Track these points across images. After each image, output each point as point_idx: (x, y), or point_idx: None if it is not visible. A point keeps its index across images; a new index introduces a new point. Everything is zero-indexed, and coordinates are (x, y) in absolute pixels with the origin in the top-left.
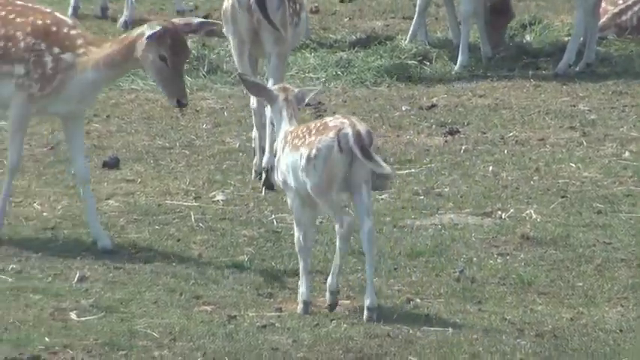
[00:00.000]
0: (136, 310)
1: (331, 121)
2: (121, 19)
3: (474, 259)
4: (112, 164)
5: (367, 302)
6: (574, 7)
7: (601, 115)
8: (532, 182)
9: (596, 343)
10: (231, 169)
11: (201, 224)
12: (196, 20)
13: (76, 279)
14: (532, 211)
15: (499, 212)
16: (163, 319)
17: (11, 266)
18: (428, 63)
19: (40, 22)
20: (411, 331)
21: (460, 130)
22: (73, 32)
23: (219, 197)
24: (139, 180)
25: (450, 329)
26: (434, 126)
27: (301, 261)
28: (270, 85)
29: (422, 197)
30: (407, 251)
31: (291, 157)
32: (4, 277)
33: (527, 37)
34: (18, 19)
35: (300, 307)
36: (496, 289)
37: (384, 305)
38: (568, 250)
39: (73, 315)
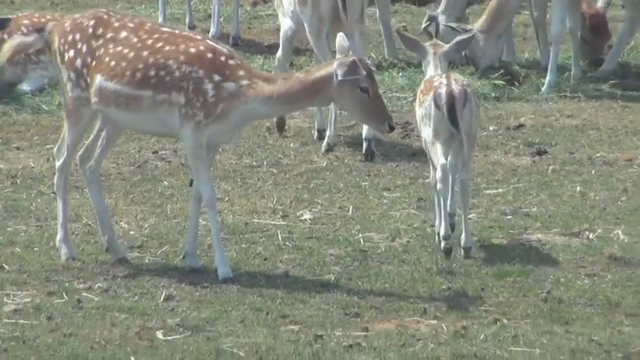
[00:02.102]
0: (222, 329)
1: (435, 79)
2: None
3: (562, 279)
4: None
5: (463, 242)
6: None
7: None
8: (620, 203)
9: None
10: (319, 188)
11: (288, 243)
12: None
13: (162, 298)
14: (620, 232)
15: (587, 232)
16: (250, 338)
17: (98, 285)
18: (516, 83)
19: (193, 49)
20: (498, 352)
21: (548, 150)
22: (231, 62)
23: (307, 216)
24: (227, 199)
25: (537, 350)
26: (521, 146)
27: (440, 199)
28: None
29: (509, 217)
30: (494, 271)
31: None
32: (90, 295)
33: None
34: (167, 47)
35: (442, 245)
36: (583, 310)
37: (471, 326)
38: None
39: (159, 334)
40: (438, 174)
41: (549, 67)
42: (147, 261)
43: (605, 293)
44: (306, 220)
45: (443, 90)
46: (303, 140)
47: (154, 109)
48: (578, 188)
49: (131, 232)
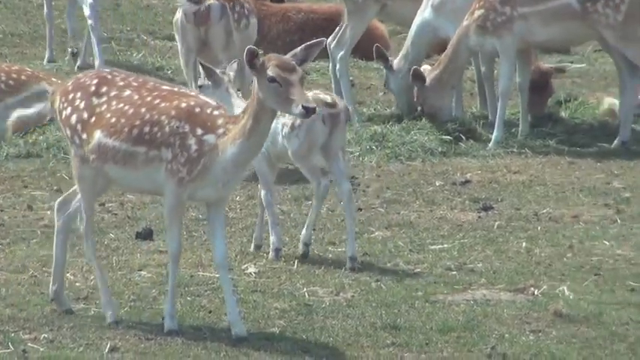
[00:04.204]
0: None
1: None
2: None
3: (506, 335)
4: (146, 235)
5: (349, 252)
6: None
7: (635, 193)
8: (565, 259)
9: None
10: (264, 242)
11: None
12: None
13: (107, 349)
14: (565, 288)
15: (532, 289)
16: None
17: (43, 335)
18: (463, 138)
19: (184, 104)
20: None
21: (494, 206)
22: (215, 113)
23: (252, 270)
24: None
25: None
26: (467, 202)
27: (270, 216)
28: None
29: (454, 272)
30: (439, 326)
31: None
32: (36, 346)
33: (563, 114)
34: (162, 104)
35: (271, 255)
36: None
37: None
38: (601, 328)
39: None
40: (320, 188)
41: (496, 123)
42: (92, 312)
43: (550, 349)
44: (251, 273)
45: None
46: (249, 194)
47: (146, 166)
48: (524, 244)
49: (77, 284)
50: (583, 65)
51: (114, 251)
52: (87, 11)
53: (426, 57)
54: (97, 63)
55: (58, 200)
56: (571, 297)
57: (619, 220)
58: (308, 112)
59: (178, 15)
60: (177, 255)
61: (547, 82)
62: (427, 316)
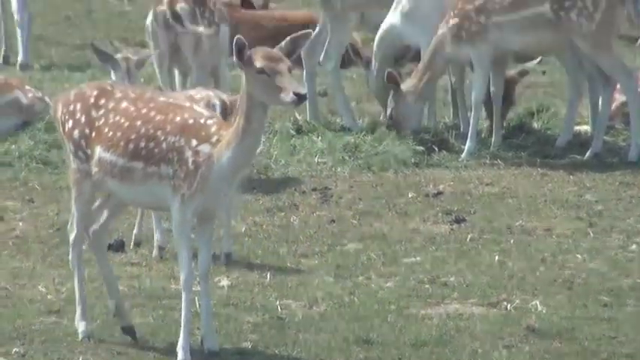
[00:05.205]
0: None
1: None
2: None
3: (479, 350)
4: (118, 247)
5: (225, 248)
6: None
7: (608, 206)
8: (538, 273)
9: None
10: (236, 254)
11: None
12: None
13: None
14: (538, 303)
15: (505, 303)
16: None
17: (14, 349)
18: (435, 149)
19: (178, 118)
20: None
21: (466, 218)
22: (209, 122)
23: (224, 282)
24: (144, 263)
25: None
26: (440, 214)
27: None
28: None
29: (427, 286)
30: (411, 340)
31: None
32: None
33: (535, 125)
34: (158, 117)
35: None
36: None
37: None
38: (573, 344)
39: None
40: None
41: (469, 134)
42: (64, 325)
43: None
44: (223, 286)
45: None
46: None
47: (145, 181)
48: (497, 257)
49: (49, 297)
50: (555, 75)
51: (86, 263)
52: (14, 6)
53: (395, 62)
54: (19, 59)
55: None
56: (544, 311)
57: (591, 234)
58: (300, 98)
59: (149, 20)
60: (190, 281)
61: (509, 91)
62: (400, 330)
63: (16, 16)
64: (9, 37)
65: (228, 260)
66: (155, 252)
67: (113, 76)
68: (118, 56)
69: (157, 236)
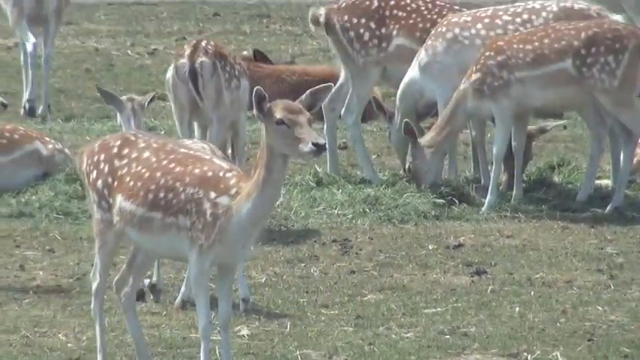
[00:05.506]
0: None
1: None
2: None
3: None
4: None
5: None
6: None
7: (629, 258)
8: (559, 324)
9: None
10: (257, 304)
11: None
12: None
13: None
14: (558, 354)
15: (525, 354)
16: None
17: None
18: (456, 202)
19: (197, 170)
20: None
21: (487, 270)
22: (228, 175)
23: (244, 332)
24: (165, 312)
25: None
26: (461, 265)
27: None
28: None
29: (448, 337)
30: None
31: None
32: None
33: (556, 179)
34: (177, 169)
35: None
36: None
37: None
38: None
39: None
40: None
41: (490, 187)
42: None
43: None
44: (243, 335)
45: None
46: None
47: (163, 232)
48: (517, 309)
49: (69, 345)
50: (576, 130)
51: (106, 312)
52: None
53: (418, 117)
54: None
55: (115, 279)
56: None
57: (612, 286)
58: (319, 149)
59: (170, 74)
60: (208, 331)
61: (528, 145)
62: None
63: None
64: (35, 88)
65: (247, 305)
66: (178, 302)
67: (119, 118)
68: (123, 97)
69: (183, 288)
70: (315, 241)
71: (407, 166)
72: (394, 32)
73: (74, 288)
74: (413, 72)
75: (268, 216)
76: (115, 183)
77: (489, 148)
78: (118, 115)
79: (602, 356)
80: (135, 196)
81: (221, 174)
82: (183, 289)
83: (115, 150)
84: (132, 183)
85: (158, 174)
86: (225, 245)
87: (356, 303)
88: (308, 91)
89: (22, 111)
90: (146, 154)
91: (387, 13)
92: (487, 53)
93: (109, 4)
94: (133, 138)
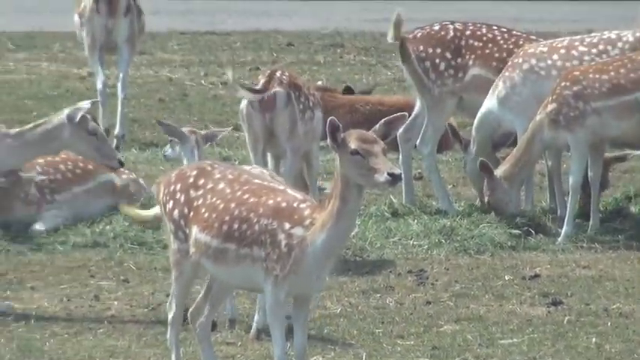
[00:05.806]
0: None
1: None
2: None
3: None
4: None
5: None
6: None
7: None
8: (636, 355)
9: None
10: (332, 334)
11: None
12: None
13: None
14: None
15: None
16: None
17: None
18: (532, 232)
19: (271, 201)
20: None
21: (563, 300)
22: (302, 206)
23: None
24: (240, 343)
25: None
26: (537, 296)
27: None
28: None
29: None
30: None
31: None
32: None
33: (632, 209)
34: (251, 200)
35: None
36: None
37: None
38: None
39: None
40: None
41: (566, 218)
42: None
43: None
44: None
45: None
46: None
47: (238, 263)
48: (594, 340)
49: None
50: None
51: (181, 342)
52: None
53: (494, 148)
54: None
55: (190, 310)
56: None
57: None
58: (395, 179)
59: (244, 104)
60: None
61: (604, 173)
62: None
63: (120, 95)
64: (108, 117)
65: (233, 327)
66: (253, 332)
67: (176, 150)
68: (185, 129)
69: (257, 317)
70: (390, 272)
71: (486, 200)
72: (470, 62)
73: (149, 318)
74: (490, 102)
75: (343, 247)
76: (191, 213)
77: (565, 179)
78: (177, 147)
79: None
80: (209, 228)
81: (295, 205)
82: (256, 317)
83: (192, 180)
84: (207, 214)
85: (232, 205)
86: (300, 276)
87: (432, 334)
88: (382, 121)
89: None
90: (221, 185)
91: (463, 42)
92: (563, 83)
93: (181, 33)
94: (209, 168)
